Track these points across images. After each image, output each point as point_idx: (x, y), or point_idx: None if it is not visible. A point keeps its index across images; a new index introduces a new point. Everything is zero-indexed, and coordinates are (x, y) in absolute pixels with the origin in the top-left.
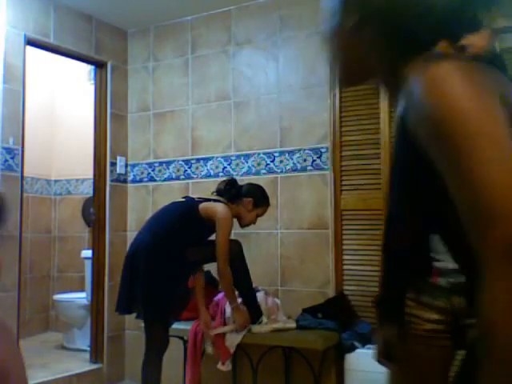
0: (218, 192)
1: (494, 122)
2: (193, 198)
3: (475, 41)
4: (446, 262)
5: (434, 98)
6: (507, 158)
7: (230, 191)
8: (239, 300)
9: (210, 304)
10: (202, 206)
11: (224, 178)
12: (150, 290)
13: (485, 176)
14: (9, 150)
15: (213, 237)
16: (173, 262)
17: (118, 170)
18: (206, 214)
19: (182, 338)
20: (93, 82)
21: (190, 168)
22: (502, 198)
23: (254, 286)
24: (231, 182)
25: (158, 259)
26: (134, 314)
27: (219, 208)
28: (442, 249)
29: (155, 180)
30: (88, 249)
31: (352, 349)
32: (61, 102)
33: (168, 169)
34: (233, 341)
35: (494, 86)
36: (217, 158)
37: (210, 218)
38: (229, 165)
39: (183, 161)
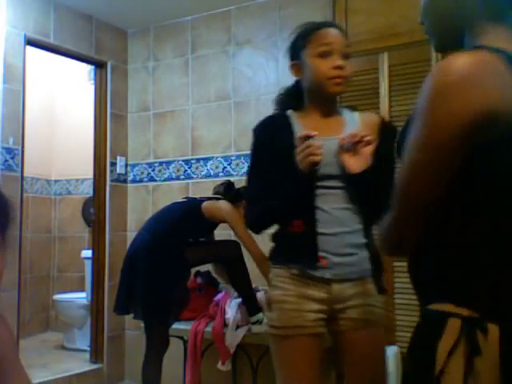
0: (217, 194)
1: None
2: (195, 198)
3: None
4: (332, 257)
5: (422, 87)
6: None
7: (230, 193)
8: (239, 300)
9: (210, 304)
10: (204, 204)
11: (223, 179)
12: (150, 290)
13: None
14: (9, 150)
15: (213, 237)
16: (172, 262)
17: (118, 170)
18: (209, 211)
19: (181, 338)
20: (93, 82)
21: (189, 168)
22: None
23: (254, 286)
24: (229, 184)
25: (157, 259)
26: (133, 315)
27: (222, 204)
28: (328, 247)
29: (155, 180)
30: (88, 249)
31: None
32: (61, 102)
33: (168, 169)
34: (233, 341)
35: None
36: (217, 158)
37: (213, 215)
38: (229, 165)
39: (183, 161)
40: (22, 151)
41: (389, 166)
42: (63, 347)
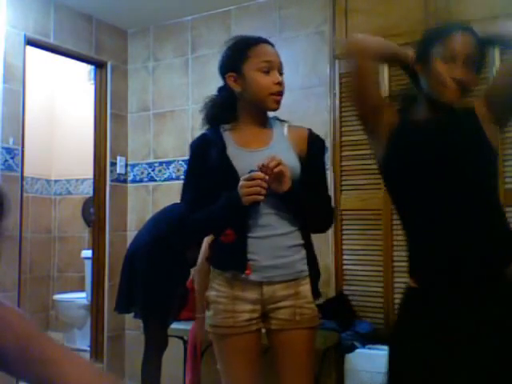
0: None
1: None
2: None
3: None
4: (262, 259)
5: None
6: None
7: None
8: None
9: None
10: None
11: None
12: (149, 290)
13: None
14: (9, 150)
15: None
16: (172, 261)
17: (118, 170)
18: None
19: (181, 338)
20: (93, 82)
21: None
22: None
23: None
24: None
25: (157, 259)
26: (133, 314)
27: None
28: (258, 250)
29: (155, 180)
30: (88, 249)
31: (352, 349)
32: (61, 102)
33: (168, 169)
34: None
35: None
36: None
37: None
38: None
39: (183, 161)
40: (22, 151)
41: (317, 179)
42: None
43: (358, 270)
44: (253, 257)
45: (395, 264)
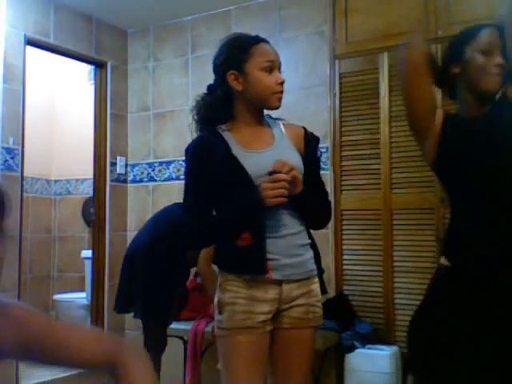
0: None
1: None
2: None
3: None
4: (281, 258)
5: None
6: None
7: None
8: None
9: (211, 304)
10: None
11: None
12: (149, 290)
13: None
14: (9, 150)
15: None
16: (172, 262)
17: (118, 170)
18: None
19: (181, 338)
20: (93, 82)
21: None
22: None
23: None
24: None
25: (157, 259)
26: (133, 314)
27: None
28: (277, 249)
29: (155, 180)
30: (88, 249)
31: (352, 349)
32: (61, 102)
33: (168, 169)
34: None
35: None
36: None
37: None
38: None
39: (183, 161)
40: (22, 151)
41: (316, 176)
42: None
43: (357, 270)
44: (272, 256)
45: (395, 264)
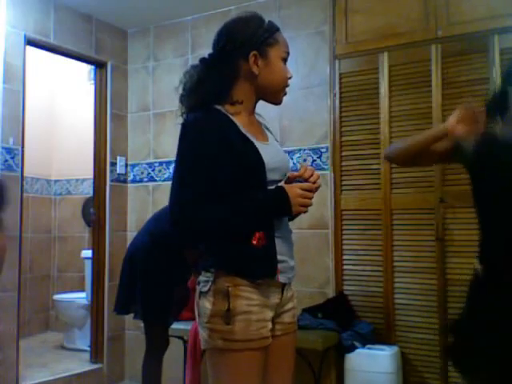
0: None
1: None
2: None
3: None
4: (289, 260)
5: None
6: None
7: None
8: None
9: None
10: None
11: None
12: (150, 290)
13: None
14: (9, 150)
15: None
16: (172, 261)
17: (118, 170)
18: None
19: (181, 338)
20: (93, 82)
21: None
22: None
23: None
24: None
25: (157, 259)
26: (133, 315)
27: None
28: (284, 250)
29: (155, 180)
30: (88, 249)
31: (352, 349)
32: (61, 101)
33: (168, 169)
34: None
35: None
36: None
37: None
38: None
39: None
40: (22, 151)
41: None
42: (63, 347)
43: (357, 270)
44: (282, 258)
45: (395, 264)
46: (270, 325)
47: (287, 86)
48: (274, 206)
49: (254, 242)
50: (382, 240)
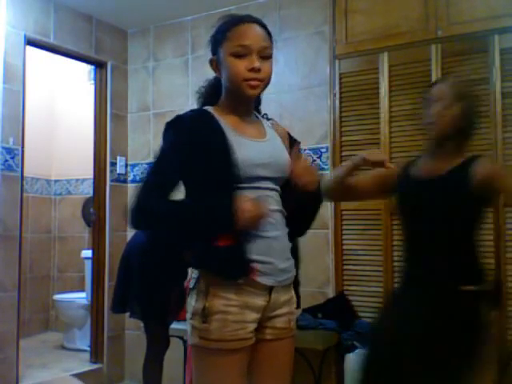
0: None
1: None
2: None
3: None
4: (278, 262)
5: None
6: None
7: None
8: None
9: None
10: None
11: None
12: (146, 289)
13: None
14: (9, 150)
15: None
16: (168, 261)
17: (118, 170)
18: None
19: (181, 337)
20: (93, 81)
21: None
22: None
23: None
24: None
25: (153, 259)
26: (128, 314)
27: None
28: (273, 251)
29: None
30: (88, 249)
31: (352, 349)
32: (61, 101)
33: None
34: None
35: None
36: None
37: None
38: None
39: None
40: (22, 151)
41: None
42: (63, 347)
43: (357, 270)
44: (263, 259)
45: (395, 264)
46: (251, 326)
47: (248, 78)
48: (214, 217)
49: (219, 243)
50: (382, 240)
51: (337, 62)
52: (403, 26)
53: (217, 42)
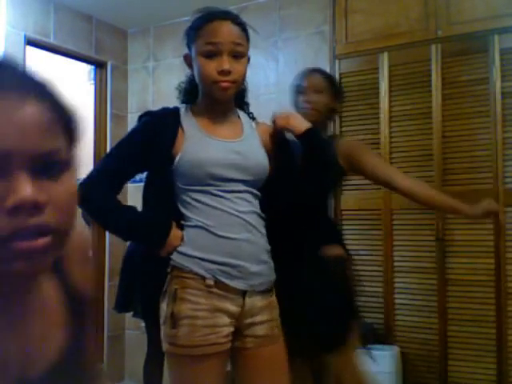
0: None
1: None
2: None
3: None
4: (249, 265)
5: None
6: None
7: None
8: None
9: None
10: None
11: None
12: (148, 289)
13: None
14: None
15: None
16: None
17: None
18: None
19: None
20: (93, 82)
21: None
22: None
23: None
24: None
25: (155, 258)
26: (132, 313)
27: None
28: (244, 253)
29: None
30: None
31: None
32: None
33: None
34: None
35: None
36: None
37: None
38: None
39: None
40: None
41: (287, 174)
42: None
43: (358, 270)
44: (238, 262)
45: (395, 264)
46: (224, 330)
47: (217, 80)
48: (149, 233)
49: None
50: (382, 240)
51: (337, 61)
52: (403, 26)
53: (190, 38)
